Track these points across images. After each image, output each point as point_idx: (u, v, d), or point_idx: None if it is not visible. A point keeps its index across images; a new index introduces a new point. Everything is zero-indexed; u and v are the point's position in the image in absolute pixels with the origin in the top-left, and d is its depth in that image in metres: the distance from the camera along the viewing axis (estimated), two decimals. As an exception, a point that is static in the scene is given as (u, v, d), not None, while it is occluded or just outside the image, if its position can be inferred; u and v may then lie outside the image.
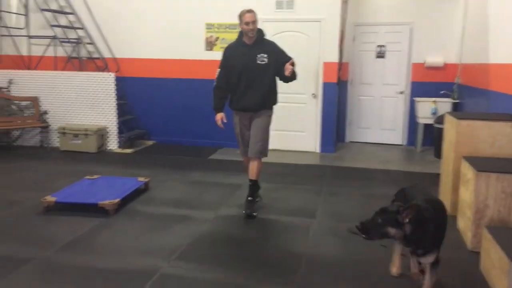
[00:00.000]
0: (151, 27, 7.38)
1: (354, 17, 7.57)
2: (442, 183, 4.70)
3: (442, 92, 7.17)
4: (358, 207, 4.50)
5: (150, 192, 4.92)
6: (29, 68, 7.44)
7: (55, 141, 7.17)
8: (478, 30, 6.05)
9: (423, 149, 7.25)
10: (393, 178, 5.65)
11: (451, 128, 4.36)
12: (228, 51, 4.32)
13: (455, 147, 4.17)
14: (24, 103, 7.19)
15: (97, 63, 7.57)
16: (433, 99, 7.05)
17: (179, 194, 4.92)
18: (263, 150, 4.28)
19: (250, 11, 4.10)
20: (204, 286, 2.98)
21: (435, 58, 7.34)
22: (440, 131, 5.33)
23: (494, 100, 5.26)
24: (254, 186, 4.33)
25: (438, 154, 5.70)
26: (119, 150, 7.06)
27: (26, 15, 7.59)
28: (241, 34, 4.23)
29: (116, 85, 7.06)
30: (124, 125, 7.28)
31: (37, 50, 7.50)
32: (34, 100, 7.11)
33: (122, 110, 7.44)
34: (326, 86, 6.97)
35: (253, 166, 4.29)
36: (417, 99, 7.29)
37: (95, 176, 5.06)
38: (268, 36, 6.91)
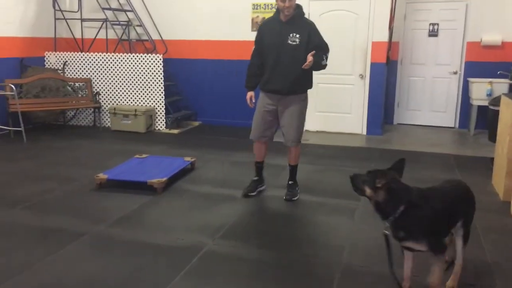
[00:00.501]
0: (198, 8, 7.43)
1: (405, -6, 7.29)
2: (496, 168, 4.50)
3: (499, 72, 6.80)
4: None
5: (196, 172, 5.02)
6: (82, 51, 7.72)
7: (107, 121, 7.45)
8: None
9: (476, 132, 6.95)
10: (445, 162, 5.46)
11: (507, 110, 4.15)
12: (262, 27, 4.09)
13: (511, 130, 3.96)
14: (78, 84, 7.49)
15: (146, 45, 7.74)
16: (489, 80, 6.70)
17: (224, 174, 4.99)
18: (299, 137, 4.10)
19: None
20: (249, 265, 3.02)
21: (492, 36, 6.94)
22: (495, 114, 5.07)
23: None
24: (294, 170, 4.24)
25: (492, 137, 5.44)
26: (167, 131, 7.22)
27: (79, -2, 7.84)
28: (278, 9, 3.94)
29: (164, 66, 7.20)
30: (171, 106, 7.43)
31: (90, 32, 7.75)
32: (87, 82, 7.39)
33: (170, 91, 7.59)
34: (375, 66, 6.78)
35: (292, 154, 4.16)
36: (471, 79, 6.96)
37: (144, 155, 5.22)
38: (315, 15, 6.88)
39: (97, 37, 7.57)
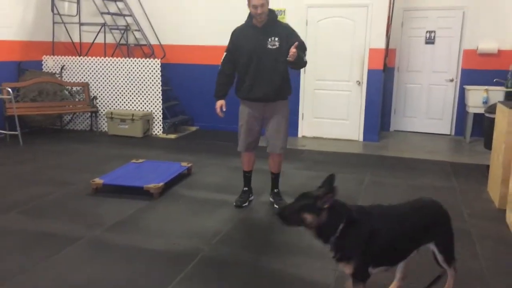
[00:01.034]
0: (196, 13, 7.46)
1: (402, 2, 7.32)
2: (491, 175, 4.52)
3: (495, 80, 6.84)
4: (402, 197, 4.40)
5: (192, 177, 5.02)
6: (80, 55, 7.73)
7: (104, 125, 7.44)
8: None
9: (472, 140, 6.97)
10: (441, 169, 5.48)
11: (503, 118, 4.17)
12: (235, 34, 3.93)
13: (506, 138, 3.99)
14: (75, 88, 7.49)
15: (144, 50, 7.75)
16: (485, 87, 6.74)
17: (221, 180, 4.99)
18: (286, 145, 4.08)
19: None
20: (244, 270, 3.03)
21: (488, 44, 6.99)
22: (491, 121, 5.10)
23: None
24: (277, 178, 4.22)
25: (488, 145, 5.47)
26: (164, 135, 7.23)
27: (77, 2, 7.85)
28: (250, 15, 3.82)
29: (162, 71, 7.22)
30: (168, 111, 7.43)
31: (88, 37, 7.75)
32: (85, 86, 7.39)
33: (167, 96, 7.60)
34: (372, 73, 6.81)
35: (275, 161, 4.11)
36: (467, 87, 6.99)
37: (140, 160, 5.22)
38: (313, 21, 6.91)
39: (95, 42, 7.58)
